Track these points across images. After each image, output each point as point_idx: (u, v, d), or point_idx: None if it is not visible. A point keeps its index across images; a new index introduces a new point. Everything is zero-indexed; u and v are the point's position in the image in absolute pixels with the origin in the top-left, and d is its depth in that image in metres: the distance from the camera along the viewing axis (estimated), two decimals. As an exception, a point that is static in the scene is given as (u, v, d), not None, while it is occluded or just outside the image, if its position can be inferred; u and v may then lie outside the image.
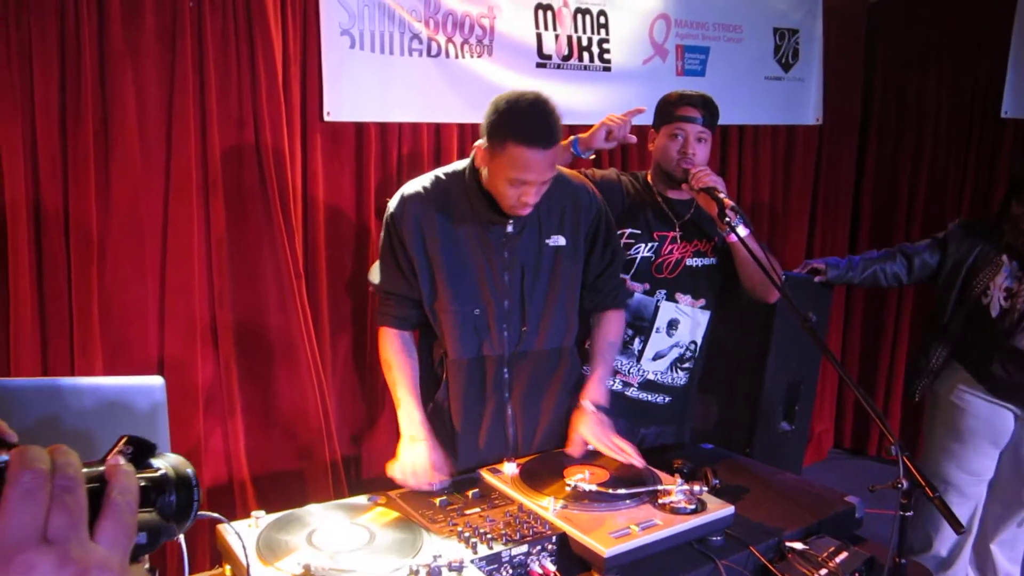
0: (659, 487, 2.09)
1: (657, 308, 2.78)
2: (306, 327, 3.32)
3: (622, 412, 2.79)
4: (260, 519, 1.88)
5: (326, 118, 3.35)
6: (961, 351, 3.27)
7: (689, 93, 2.73)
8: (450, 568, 1.69)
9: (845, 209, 5.47)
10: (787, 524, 2.13)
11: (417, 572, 1.68)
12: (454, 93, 3.63)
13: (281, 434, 3.39)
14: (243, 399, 3.30)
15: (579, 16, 3.99)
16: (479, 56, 3.69)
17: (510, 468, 2.25)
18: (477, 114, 3.11)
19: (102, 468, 0.67)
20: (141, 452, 0.74)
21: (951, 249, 3.28)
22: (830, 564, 1.94)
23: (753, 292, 2.78)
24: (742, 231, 2.47)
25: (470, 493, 2.12)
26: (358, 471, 3.71)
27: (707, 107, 2.71)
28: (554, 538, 1.89)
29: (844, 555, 1.98)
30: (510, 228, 2.37)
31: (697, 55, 4.46)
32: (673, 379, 2.85)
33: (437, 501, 2.07)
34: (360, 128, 3.48)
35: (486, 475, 2.25)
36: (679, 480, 2.10)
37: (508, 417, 2.50)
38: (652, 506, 2.04)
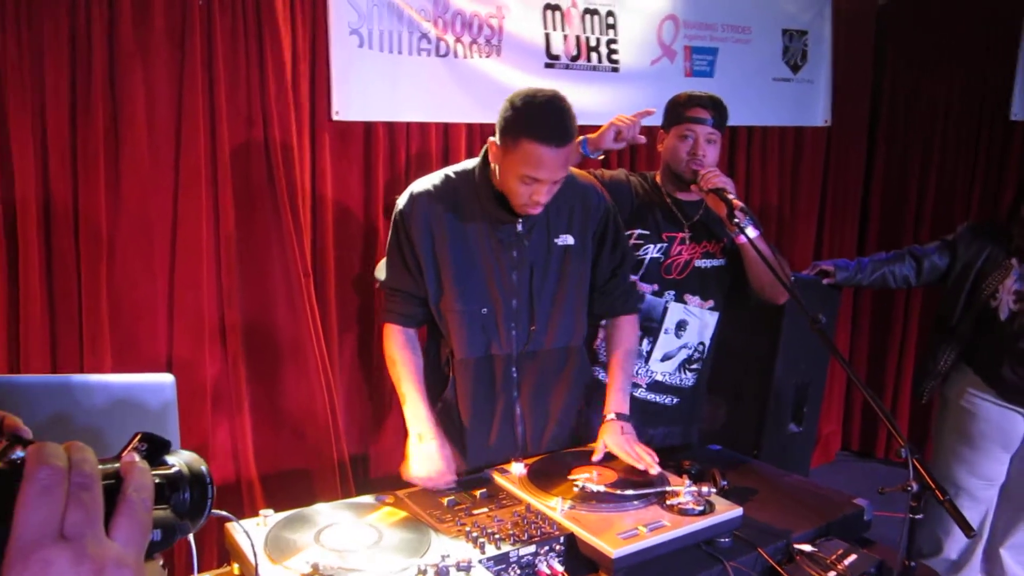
0: (667, 488, 2.08)
1: (666, 309, 2.77)
2: (314, 326, 3.33)
3: (631, 413, 2.78)
4: (268, 518, 1.88)
5: (334, 117, 3.35)
6: (970, 354, 3.26)
7: (699, 94, 2.72)
8: (458, 568, 1.69)
9: (853, 211, 5.46)
10: (795, 526, 2.12)
11: (425, 572, 1.68)
12: (462, 93, 3.63)
13: (289, 433, 3.40)
14: (251, 397, 3.31)
15: (587, 17, 3.98)
16: (487, 56, 3.69)
17: (518, 468, 2.25)
18: (485, 114, 3.09)
19: (117, 465, 0.67)
20: (156, 449, 0.74)
21: (960, 251, 3.26)
22: (839, 566, 1.93)
23: (762, 293, 2.77)
24: (751, 232, 2.46)
25: (478, 493, 2.12)
26: (366, 470, 3.71)
27: (717, 108, 2.71)
28: (562, 539, 1.89)
29: (853, 557, 1.97)
30: (519, 227, 2.36)
31: (705, 56, 4.45)
32: (681, 380, 2.85)
33: (445, 501, 2.07)
34: (368, 127, 3.48)
35: (494, 475, 2.24)
36: (687, 481, 2.09)
37: (517, 416, 2.49)
38: (660, 507, 2.04)
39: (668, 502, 2.04)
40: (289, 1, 3.19)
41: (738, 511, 2.05)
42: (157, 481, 0.71)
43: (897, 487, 1.84)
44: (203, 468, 0.77)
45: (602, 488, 2.08)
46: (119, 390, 1.91)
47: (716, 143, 2.72)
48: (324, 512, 1.97)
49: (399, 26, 3.42)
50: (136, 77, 2.90)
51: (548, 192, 2.22)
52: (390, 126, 3.53)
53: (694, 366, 2.86)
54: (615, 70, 4.11)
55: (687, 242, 2.78)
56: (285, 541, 1.80)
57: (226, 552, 1.88)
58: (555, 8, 3.87)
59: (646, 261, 2.75)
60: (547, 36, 3.87)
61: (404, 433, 2.34)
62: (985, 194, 4.99)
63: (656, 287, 2.77)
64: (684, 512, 2.00)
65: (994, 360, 3.17)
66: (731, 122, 2.87)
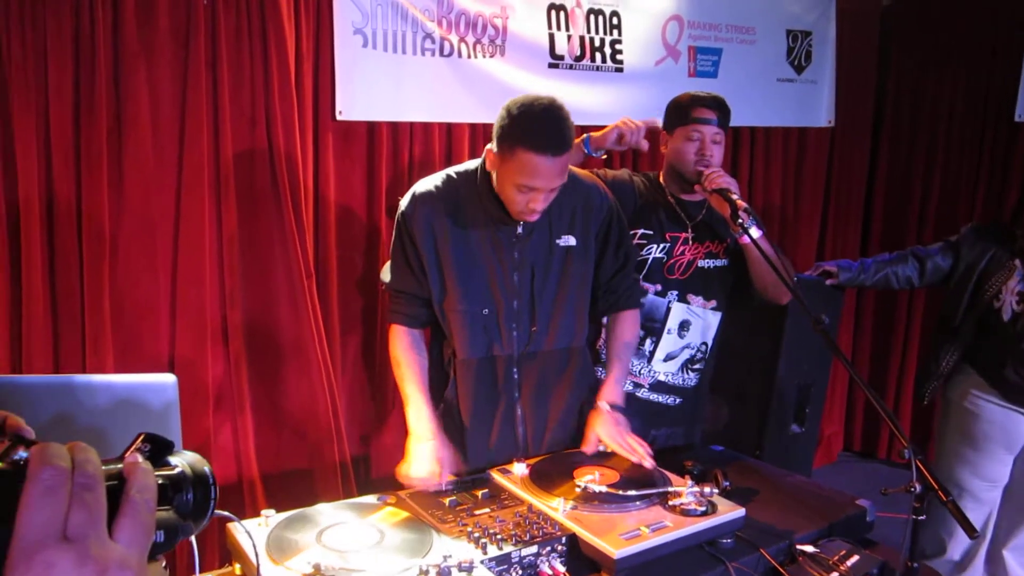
0: (669, 489, 2.08)
1: (669, 309, 2.77)
2: (316, 326, 3.33)
3: (633, 413, 2.78)
4: (270, 518, 1.88)
5: (338, 117, 3.35)
6: (973, 355, 3.26)
7: (702, 94, 2.72)
8: (460, 568, 1.69)
9: (857, 211, 5.45)
10: (798, 527, 2.11)
11: (427, 572, 1.68)
12: (466, 93, 3.63)
13: (291, 433, 3.40)
14: (253, 398, 3.31)
15: (592, 17, 3.98)
16: (491, 56, 3.69)
17: (520, 468, 2.25)
18: (489, 114, 3.09)
19: (120, 466, 0.67)
20: (159, 450, 0.74)
21: (964, 252, 3.26)
22: (841, 567, 1.93)
23: (765, 293, 2.77)
24: (755, 232, 2.46)
25: (480, 493, 2.11)
26: (367, 470, 3.71)
27: (721, 108, 2.70)
28: (564, 539, 1.88)
29: (856, 558, 1.97)
30: (520, 228, 2.36)
31: (710, 56, 4.45)
32: (684, 380, 2.85)
33: (447, 501, 2.06)
34: (372, 127, 3.48)
35: (496, 475, 2.24)
36: (689, 482, 2.09)
37: (518, 417, 2.49)
38: (662, 508, 2.03)
39: (670, 503, 2.04)
40: (293, 1, 3.19)
41: (740, 512, 2.04)
42: (160, 482, 0.71)
43: (900, 488, 1.84)
44: (206, 469, 0.76)
45: (604, 488, 2.08)
46: (121, 390, 1.91)
47: (721, 143, 2.72)
48: (326, 512, 1.96)
49: (403, 26, 3.42)
50: (140, 77, 2.91)
51: (545, 200, 2.22)
52: (394, 126, 3.53)
53: (697, 366, 2.86)
54: (619, 70, 4.11)
55: (690, 242, 2.77)
56: (287, 541, 1.80)
57: (228, 552, 1.88)
58: (559, 8, 3.87)
59: (649, 261, 2.75)
60: (551, 36, 3.87)
61: (405, 433, 2.34)
62: (989, 195, 4.98)
63: (659, 287, 2.76)
64: (686, 513, 2.00)
65: (997, 361, 3.17)
66: (735, 122, 2.87)
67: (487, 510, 2.01)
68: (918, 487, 1.82)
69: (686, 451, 2.80)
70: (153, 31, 2.91)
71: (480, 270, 2.36)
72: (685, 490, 2.05)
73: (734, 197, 2.49)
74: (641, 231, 2.75)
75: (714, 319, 2.85)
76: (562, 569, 1.84)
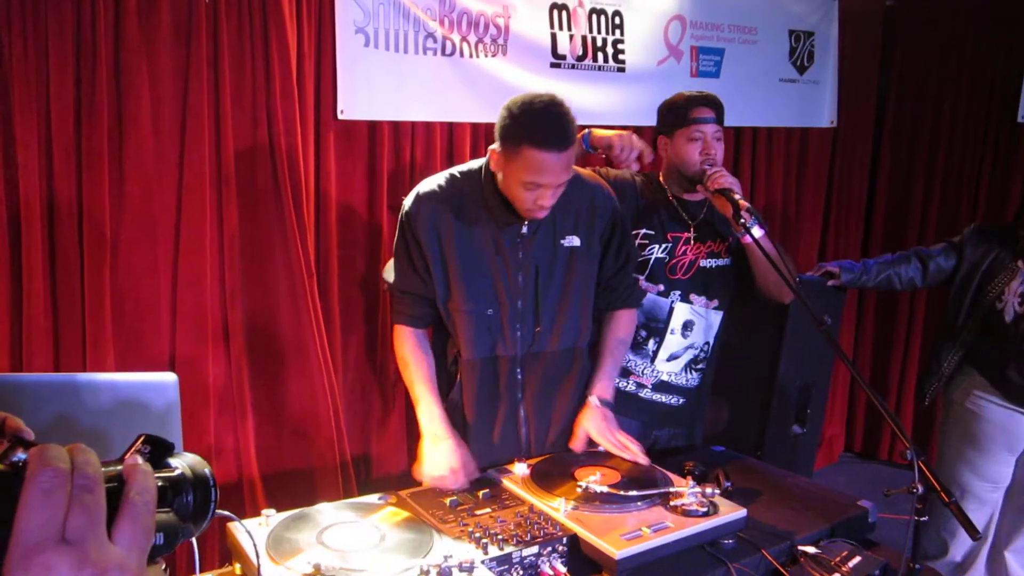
0: (671, 489, 2.08)
1: (672, 309, 2.77)
2: (317, 326, 3.32)
3: (636, 414, 2.78)
4: (271, 517, 1.88)
5: (339, 116, 3.35)
6: (975, 356, 3.26)
7: (697, 94, 2.71)
8: (461, 569, 1.69)
9: (858, 212, 5.45)
10: (799, 528, 2.11)
11: (428, 572, 1.68)
12: (468, 92, 3.63)
13: (291, 432, 3.39)
14: (254, 397, 3.30)
15: (594, 16, 3.98)
16: (493, 55, 3.68)
17: (521, 468, 2.24)
18: (491, 114, 3.08)
19: (120, 467, 0.67)
20: (159, 451, 0.74)
21: (967, 253, 3.25)
22: (843, 568, 1.93)
23: (768, 292, 2.77)
24: (757, 232, 2.46)
25: (481, 493, 2.11)
26: (368, 470, 3.71)
27: (717, 105, 2.70)
28: (565, 539, 1.88)
29: (857, 559, 1.97)
30: (525, 229, 2.36)
31: (712, 56, 4.45)
32: (687, 380, 2.84)
33: (447, 501, 2.06)
34: (373, 126, 3.48)
35: (497, 475, 2.24)
36: (691, 482, 2.09)
37: (521, 417, 2.49)
38: (664, 508, 2.03)
39: (672, 503, 2.04)
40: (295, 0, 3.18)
41: (742, 512, 2.04)
42: (160, 484, 0.70)
43: (902, 489, 1.84)
44: (206, 471, 0.76)
45: (605, 489, 2.08)
46: (122, 389, 1.91)
47: (722, 139, 2.72)
48: (326, 512, 1.96)
49: (405, 25, 3.42)
50: (141, 75, 2.90)
51: (553, 196, 2.22)
52: (395, 125, 3.53)
53: (699, 366, 2.86)
54: (621, 70, 4.10)
55: (692, 242, 2.77)
56: (287, 541, 1.80)
57: (228, 552, 1.88)
58: (562, 8, 3.86)
59: (651, 261, 2.75)
60: (553, 36, 3.86)
61: (406, 433, 2.33)
62: (991, 196, 4.98)
63: (662, 287, 2.76)
64: (688, 513, 2.00)
65: (999, 362, 3.17)
66: (737, 122, 2.87)
67: (488, 510, 2.01)
68: (920, 488, 1.81)
69: (687, 452, 2.80)
70: (154, 29, 2.90)
71: (484, 270, 2.36)
72: (686, 490, 2.05)
73: (736, 197, 2.48)
74: (643, 231, 2.75)
75: (716, 318, 2.85)
76: (563, 569, 1.84)
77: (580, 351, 2.53)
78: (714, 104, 2.69)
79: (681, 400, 2.85)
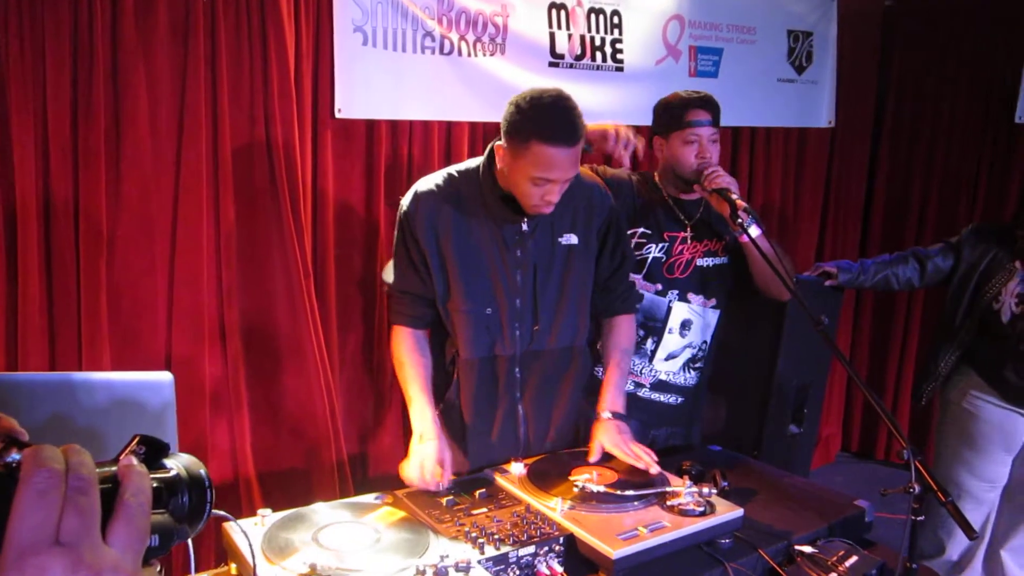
0: (667, 489, 2.08)
1: (670, 309, 2.77)
2: (314, 325, 3.32)
3: (635, 413, 2.78)
4: (266, 517, 1.88)
5: (337, 115, 3.34)
6: (972, 356, 3.26)
7: (694, 96, 2.69)
8: (457, 568, 1.69)
9: (856, 212, 5.45)
10: (796, 527, 2.11)
11: (424, 572, 1.67)
12: (466, 91, 3.63)
13: (288, 432, 3.39)
14: (250, 397, 3.30)
15: (592, 16, 3.97)
16: (492, 55, 3.68)
17: (518, 468, 2.24)
18: (489, 113, 3.07)
19: (114, 468, 0.66)
20: (154, 452, 0.73)
21: (965, 253, 3.25)
22: (840, 568, 1.93)
23: (767, 290, 2.77)
24: (754, 231, 2.46)
25: (477, 493, 2.11)
26: (364, 470, 3.71)
27: (713, 106, 2.70)
28: (561, 539, 1.88)
29: (854, 559, 1.97)
30: (524, 227, 2.35)
31: (710, 56, 4.45)
32: (685, 379, 2.84)
33: (444, 501, 2.06)
34: (371, 125, 3.47)
35: (494, 475, 2.24)
36: (687, 482, 2.09)
37: (520, 416, 2.49)
38: (660, 508, 2.03)
39: (668, 503, 2.04)
40: (293, -2, 3.18)
41: (739, 512, 2.04)
42: (155, 485, 0.70)
43: (899, 489, 1.84)
44: (202, 472, 0.76)
45: (602, 488, 2.08)
46: (117, 388, 1.91)
47: (718, 141, 2.72)
48: (322, 512, 1.96)
49: (403, 24, 3.41)
50: (138, 74, 2.90)
51: (560, 191, 2.21)
52: (393, 124, 3.53)
53: (697, 365, 2.86)
54: (620, 70, 4.10)
55: (688, 241, 2.77)
56: (283, 541, 1.79)
57: (224, 552, 1.88)
58: (560, 7, 3.86)
59: (648, 261, 2.75)
60: (552, 35, 3.86)
61: (403, 433, 2.33)
62: (989, 196, 4.98)
63: (659, 287, 2.76)
64: (684, 513, 2.00)
65: (996, 362, 3.17)
66: (735, 122, 2.87)
67: (484, 510, 2.01)
68: (917, 488, 1.81)
69: (684, 451, 2.80)
70: (152, 29, 2.90)
71: (483, 269, 2.36)
72: (683, 490, 2.05)
73: (734, 197, 2.49)
74: (640, 230, 2.75)
75: (713, 317, 2.85)
76: (560, 569, 1.84)
77: (578, 349, 2.53)
78: (710, 106, 2.69)
79: (679, 399, 2.85)
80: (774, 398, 3.38)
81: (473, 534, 1.86)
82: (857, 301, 5.47)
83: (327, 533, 1.85)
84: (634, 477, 2.18)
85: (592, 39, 3.99)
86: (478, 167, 2.37)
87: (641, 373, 2.81)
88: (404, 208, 2.37)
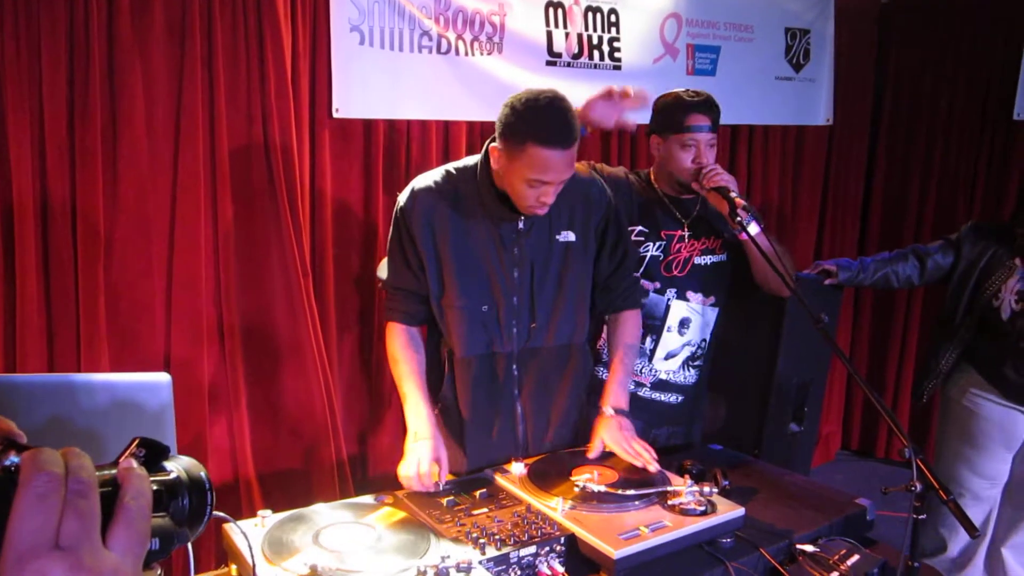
0: (668, 488, 2.08)
1: (668, 307, 2.76)
2: (313, 325, 3.31)
3: (636, 413, 2.77)
4: (266, 518, 1.87)
5: (335, 115, 3.34)
6: (972, 353, 3.26)
7: (694, 99, 2.66)
8: (458, 569, 1.68)
9: (855, 210, 5.45)
10: (798, 526, 2.11)
11: (425, 573, 1.67)
12: (464, 90, 3.62)
13: (287, 432, 3.38)
14: (249, 397, 3.29)
15: (590, 14, 3.97)
16: (489, 54, 3.68)
17: (518, 468, 2.24)
18: (487, 112, 3.05)
19: (114, 471, 0.66)
20: (154, 454, 0.72)
21: (965, 251, 3.25)
22: (842, 567, 1.92)
23: (768, 287, 2.77)
24: (753, 229, 2.45)
25: (478, 493, 2.11)
26: (364, 470, 3.70)
27: (713, 110, 2.67)
28: (563, 539, 1.88)
29: (856, 558, 1.96)
30: (521, 224, 2.35)
31: (708, 54, 4.44)
32: (685, 378, 2.84)
33: (444, 501, 2.06)
34: (369, 125, 3.47)
35: (494, 475, 2.23)
36: (688, 481, 2.08)
37: (518, 415, 2.48)
38: (661, 507, 2.03)
39: (669, 502, 2.03)
40: (289, -3, 3.18)
41: (740, 511, 2.04)
42: (155, 488, 0.69)
43: (901, 487, 1.83)
44: (202, 474, 0.75)
45: (603, 488, 2.07)
46: (116, 389, 1.90)
47: (715, 146, 2.70)
48: (323, 512, 1.96)
49: (400, 23, 3.41)
50: (135, 74, 2.89)
51: (555, 192, 2.21)
52: (390, 124, 3.52)
53: (696, 363, 2.86)
54: (617, 68, 4.09)
55: (686, 239, 2.77)
56: (283, 542, 1.79)
57: (224, 553, 1.87)
58: (557, 6, 3.85)
59: (646, 259, 2.74)
60: (549, 34, 3.85)
61: (403, 432, 2.33)
62: (987, 193, 4.98)
63: (658, 284, 2.76)
64: (686, 512, 1.99)
65: (996, 360, 3.17)
66: (733, 120, 2.86)
67: (485, 510, 2.01)
68: (918, 486, 1.81)
69: (685, 450, 2.80)
70: (148, 28, 2.89)
71: (479, 266, 2.35)
72: (684, 489, 2.04)
73: (733, 195, 2.48)
74: (638, 229, 2.74)
75: (712, 315, 2.85)
76: (561, 569, 1.84)
77: (576, 347, 2.52)
78: (711, 110, 2.66)
79: (680, 398, 2.85)
80: (774, 396, 3.37)
81: (474, 534, 1.85)
82: (856, 299, 5.47)
83: (327, 534, 1.84)
84: (635, 476, 2.17)
85: (589, 38, 3.99)
86: (476, 165, 2.36)
87: (641, 372, 2.81)
88: (401, 204, 2.37)
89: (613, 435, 2.33)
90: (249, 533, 1.73)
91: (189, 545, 1.74)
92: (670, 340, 2.78)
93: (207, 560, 3.06)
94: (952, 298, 3.28)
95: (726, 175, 2.56)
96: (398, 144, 3.55)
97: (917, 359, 5.18)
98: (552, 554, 1.85)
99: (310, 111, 3.32)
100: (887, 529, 2.33)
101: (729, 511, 2.02)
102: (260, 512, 1.89)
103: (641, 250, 2.74)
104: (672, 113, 2.68)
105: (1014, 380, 3.12)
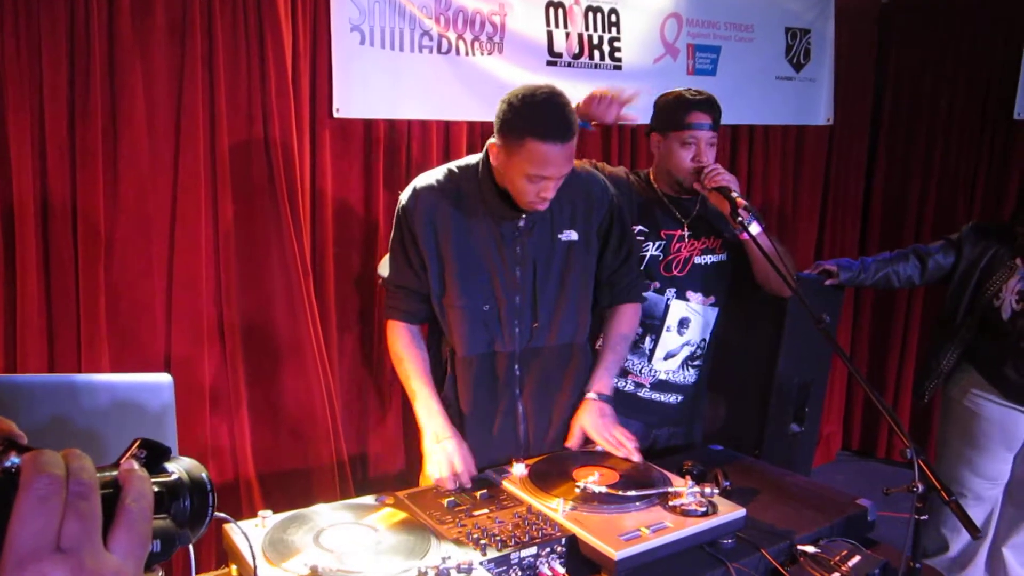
0: (669, 489, 2.07)
1: (667, 307, 2.76)
2: (313, 325, 3.31)
3: (637, 414, 2.77)
4: (267, 519, 1.87)
5: (335, 114, 3.33)
6: (973, 353, 3.26)
7: (696, 97, 2.67)
8: (459, 570, 1.68)
9: (855, 209, 5.45)
10: (799, 527, 2.10)
11: (425, 574, 1.66)
12: (464, 90, 3.62)
13: (288, 433, 3.38)
14: (249, 397, 3.29)
15: (590, 14, 3.97)
16: (489, 54, 3.67)
17: (519, 469, 2.23)
18: (487, 112, 3.05)
19: (115, 473, 0.65)
20: (155, 456, 0.72)
21: (966, 251, 3.25)
22: (843, 568, 1.92)
23: (769, 287, 2.77)
24: (755, 229, 2.45)
25: (478, 494, 2.10)
26: (364, 470, 3.70)
27: (715, 109, 2.67)
28: (563, 540, 1.87)
29: (857, 559, 1.96)
30: (522, 223, 2.35)
31: (708, 54, 4.44)
32: (684, 378, 2.84)
33: (445, 502, 2.05)
34: (369, 125, 3.46)
35: (495, 476, 2.23)
36: (689, 482, 2.08)
37: (519, 414, 2.47)
38: (662, 508, 2.02)
39: (670, 503, 2.03)
40: (290, -3, 3.17)
41: (741, 512, 2.03)
42: (157, 489, 0.69)
43: (903, 488, 1.83)
44: (203, 475, 0.75)
45: (604, 489, 2.07)
46: (117, 390, 1.89)
47: (715, 145, 2.70)
48: (323, 513, 1.95)
49: (401, 23, 3.41)
50: (135, 74, 2.88)
51: (555, 187, 2.21)
52: (391, 123, 3.52)
53: (696, 363, 2.86)
54: (618, 68, 4.09)
55: (686, 239, 2.76)
56: (284, 543, 1.78)
57: (224, 554, 1.87)
58: (558, 5, 3.85)
59: (646, 259, 2.74)
60: (549, 34, 3.85)
61: (404, 432, 2.32)
62: (988, 194, 4.97)
63: (657, 284, 2.75)
64: (687, 513, 1.99)
65: (997, 359, 3.17)
66: (733, 120, 2.85)
67: (486, 511, 2.00)
68: (921, 487, 1.81)
69: (686, 451, 2.79)
70: (149, 27, 2.89)
71: (481, 265, 2.35)
72: (685, 490, 2.04)
73: (734, 195, 2.48)
74: (638, 228, 2.74)
75: (712, 315, 2.84)
76: (562, 570, 1.83)
77: (578, 346, 2.52)
78: (712, 109, 2.67)
79: (680, 398, 2.85)
80: (775, 397, 3.37)
81: (475, 535, 1.85)
82: (857, 298, 5.47)
83: (328, 535, 1.84)
84: (636, 477, 2.17)
85: (590, 37, 3.98)
86: (477, 163, 2.36)
87: (640, 373, 2.80)
88: (403, 203, 2.36)
89: (593, 421, 2.33)
90: (250, 533, 1.72)
91: (190, 546, 1.74)
92: (669, 340, 2.78)
93: (207, 560, 3.06)
94: (953, 298, 3.28)
95: (727, 175, 2.56)
96: (398, 144, 3.55)
97: (918, 359, 5.18)
98: (553, 555, 1.85)
99: (310, 111, 3.32)
100: (888, 530, 2.33)
101: (730, 512, 2.02)
102: (260, 512, 1.88)
103: (641, 250, 2.73)
104: (673, 110, 2.69)
105: (1015, 380, 3.12)
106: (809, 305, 2.15)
